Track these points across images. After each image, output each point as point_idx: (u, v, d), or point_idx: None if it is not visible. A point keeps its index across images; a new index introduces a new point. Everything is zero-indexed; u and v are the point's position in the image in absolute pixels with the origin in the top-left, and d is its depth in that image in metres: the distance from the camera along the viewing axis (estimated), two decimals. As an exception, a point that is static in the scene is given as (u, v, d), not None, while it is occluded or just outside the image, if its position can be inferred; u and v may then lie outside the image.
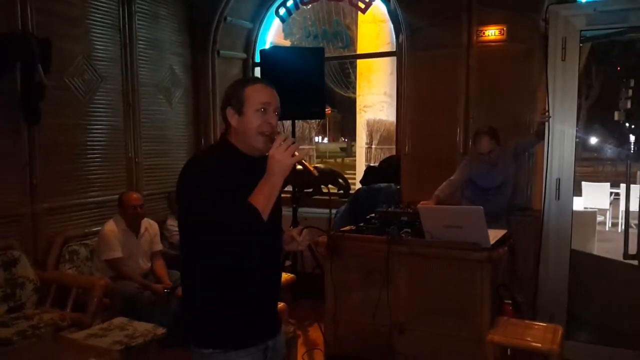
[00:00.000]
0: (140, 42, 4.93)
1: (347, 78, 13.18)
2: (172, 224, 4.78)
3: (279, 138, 1.72)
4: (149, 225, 4.30)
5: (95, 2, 4.51)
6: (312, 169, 1.93)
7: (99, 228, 4.18)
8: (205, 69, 5.56)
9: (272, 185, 1.71)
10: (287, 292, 4.29)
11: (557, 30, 3.56)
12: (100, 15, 4.55)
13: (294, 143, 1.71)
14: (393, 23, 5.24)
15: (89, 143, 4.49)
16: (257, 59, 5.89)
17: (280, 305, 3.87)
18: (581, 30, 3.51)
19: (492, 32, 4.36)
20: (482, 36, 4.41)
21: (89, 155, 4.50)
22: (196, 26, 5.52)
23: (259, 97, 1.79)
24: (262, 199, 1.69)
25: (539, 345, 2.82)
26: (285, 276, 4.19)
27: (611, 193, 8.92)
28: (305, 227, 1.97)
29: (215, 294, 1.78)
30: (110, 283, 3.78)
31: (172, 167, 5.21)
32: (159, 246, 4.35)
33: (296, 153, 1.70)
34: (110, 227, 4.07)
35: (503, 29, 4.33)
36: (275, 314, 1.96)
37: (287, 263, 4.91)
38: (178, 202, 1.83)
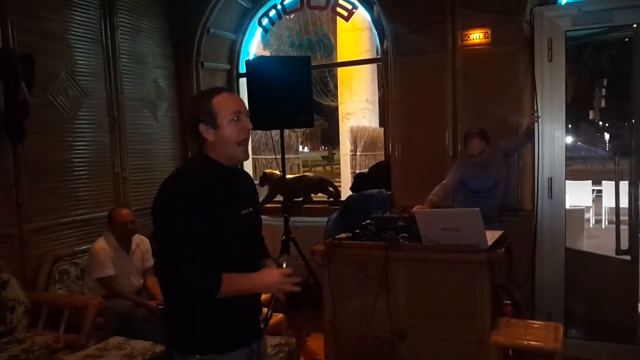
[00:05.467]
0: (124, 56, 4.87)
1: (326, 86, 13.25)
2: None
3: (286, 270, 1.81)
4: (140, 241, 4.22)
5: (77, 17, 4.44)
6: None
7: (89, 246, 4.09)
8: (190, 81, 5.53)
9: (248, 289, 1.78)
10: (282, 303, 4.25)
11: (542, 32, 3.62)
12: (82, 30, 4.49)
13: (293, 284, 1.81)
14: (377, 30, 5.27)
15: (74, 160, 4.41)
16: (242, 70, 5.88)
17: (279, 316, 3.88)
18: (566, 31, 3.57)
19: (476, 36, 4.41)
20: (466, 40, 4.45)
21: (75, 173, 4.41)
22: (179, 39, 5.49)
23: (229, 107, 1.80)
24: (233, 288, 1.73)
25: (543, 344, 2.84)
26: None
27: (593, 190, 9.07)
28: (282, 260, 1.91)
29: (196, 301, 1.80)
30: (104, 302, 3.70)
31: (160, 182, 5.09)
32: (151, 262, 4.27)
33: (293, 288, 1.80)
34: (101, 244, 3.99)
35: (487, 32, 4.38)
36: (258, 317, 1.99)
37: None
38: (152, 217, 1.83)
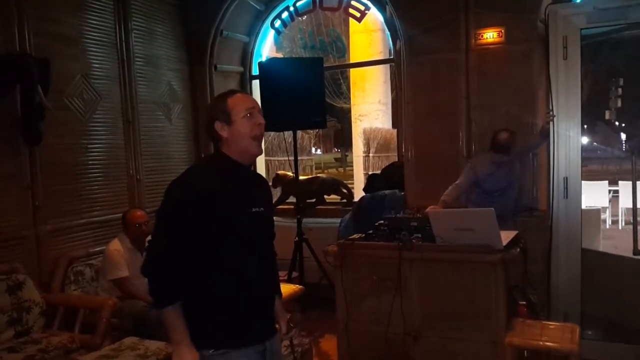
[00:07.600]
0: (138, 59, 4.91)
1: (339, 88, 13.23)
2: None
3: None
4: (154, 242, 4.24)
5: (92, 21, 4.49)
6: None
7: (104, 247, 4.12)
8: (203, 83, 5.56)
9: (169, 335, 1.89)
10: (296, 304, 4.25)
11: (557, 30, 3.58)
12: (97, 34, 4.53)
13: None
14: (390, 30, 5.26)
15: (90, 162, 4.45)
16: (255, 72, 5.90)
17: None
18: (581, 29, 3.53)
19: (490, 35, 4.38)
20: (480, 39, 4.42)
21: (90, 175, 4.45)
22: (193, 41, 5.53)
23: (242, 104, 1.91)
24: (167, 321, 1.87)
25: (558, 345, 2.80)
26: (294, 288, 4.15)
27: (609, 191, 8.95)
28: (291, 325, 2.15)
29: (211, 296, 1.87)
30: (119, 303, 3.72)
31: (174, 183, 5.15)
32: (164, 263, 4.29)
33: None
34: (115, 246, 4.02)
35: (501, 31, 4.35)
36: (272, 315, 2.06)
37: (294, 274, 4.87)
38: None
